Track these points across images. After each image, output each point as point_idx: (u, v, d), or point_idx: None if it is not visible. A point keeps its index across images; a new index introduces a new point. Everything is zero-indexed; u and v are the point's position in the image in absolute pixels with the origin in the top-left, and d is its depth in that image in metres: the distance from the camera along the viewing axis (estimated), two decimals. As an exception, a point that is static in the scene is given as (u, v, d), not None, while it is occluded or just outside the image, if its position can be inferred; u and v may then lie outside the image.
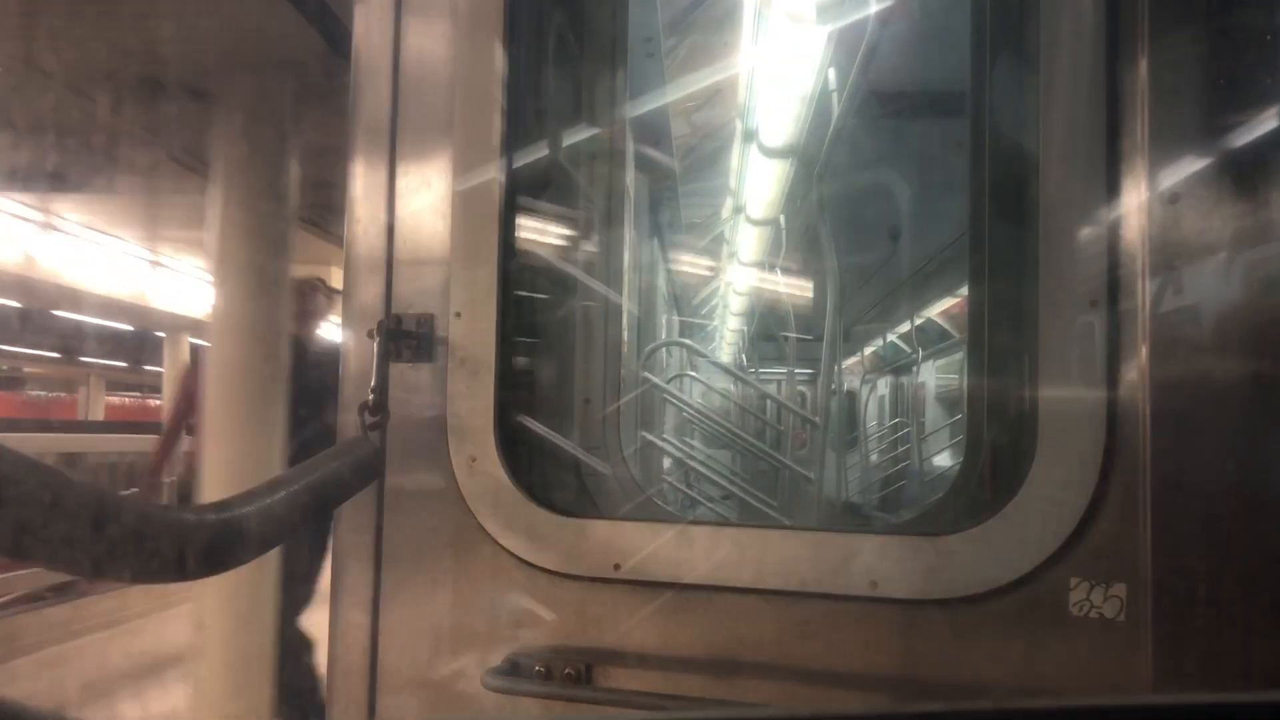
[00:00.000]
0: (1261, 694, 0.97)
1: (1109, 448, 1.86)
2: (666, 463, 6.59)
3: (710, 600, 2.09)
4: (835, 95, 5.17)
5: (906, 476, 11.92)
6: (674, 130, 6.05)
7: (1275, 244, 1.83)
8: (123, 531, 1.36)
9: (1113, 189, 1.90)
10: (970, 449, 2.71)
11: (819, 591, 2.02)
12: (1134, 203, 1.88)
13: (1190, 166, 1.87)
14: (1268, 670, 1.73)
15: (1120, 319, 1.88)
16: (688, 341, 9.50)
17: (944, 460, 11.30)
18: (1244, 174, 1.82)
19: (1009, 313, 2.41)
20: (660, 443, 6.01)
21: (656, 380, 5.22)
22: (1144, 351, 1.84)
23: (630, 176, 3.31)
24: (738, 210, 8.04)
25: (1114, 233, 1.89)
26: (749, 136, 6.40)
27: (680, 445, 6.87)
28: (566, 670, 2.14)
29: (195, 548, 1.52)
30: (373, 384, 2.16)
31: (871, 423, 14.46)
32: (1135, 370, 1.86)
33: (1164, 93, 1.86)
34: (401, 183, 2.30)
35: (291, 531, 1.79)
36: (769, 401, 10.59)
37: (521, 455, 2.34)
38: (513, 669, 2.15)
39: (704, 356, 9.57)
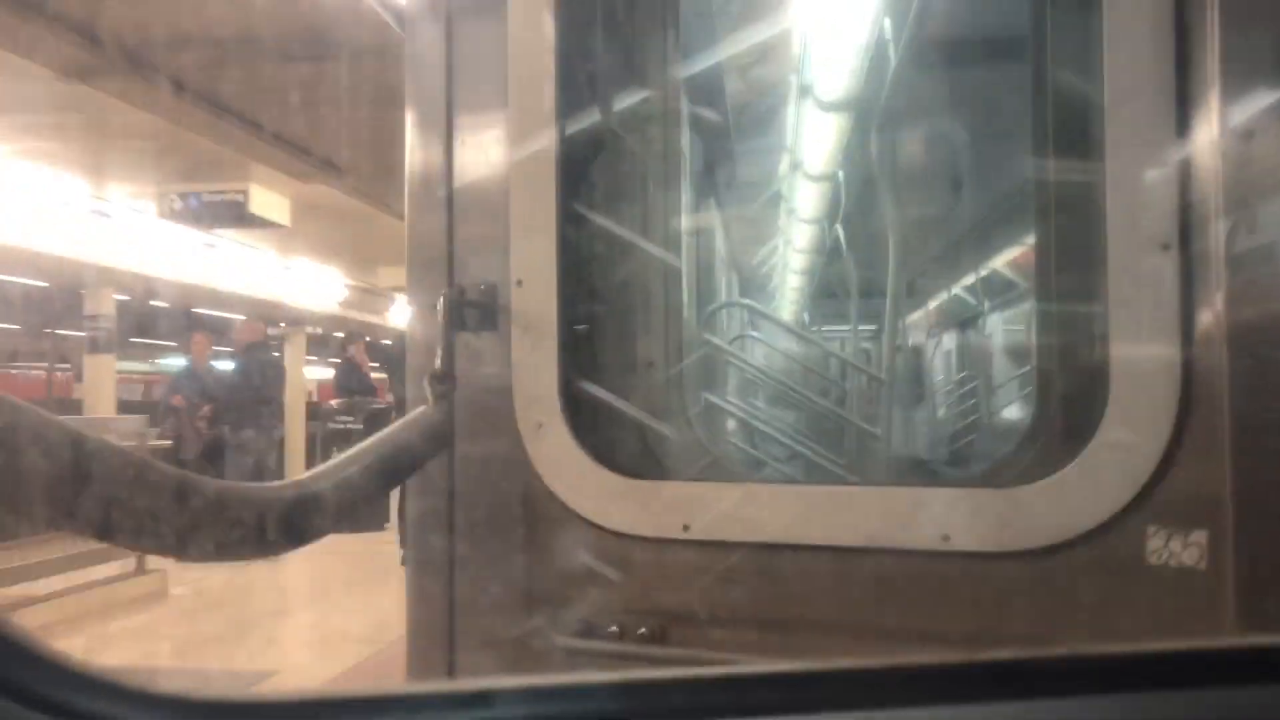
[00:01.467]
0: None
1: (1185, 392, 1.82)
2: (730, 424, 6.59)
3: (781, 558, 2.10)
4: (892, 45, 5.06)
5: (975, 431, 11.77)
6: (728, 87, 5.98)
7: None
8: (204, 507, 1.40)
9: (1183, 126, 1.84)
10: (1041, 399, 2.67)
11: (890, 547, 2.02)
12: (1205, 140, 1.82)
13: (1265, 99, 1.80)
14: None
15: (1194, 261, 1.83)
16: (748, 301, 9.45)
17: (1013, 414, 11.13)
18: None
19: (1078, 259, 2.35)
20: (723, 404, 6.01)
21: (718, 341, 5.21)
22: (1219, 293, 1.79)
23: (686, 137, 3.29)
24: (795, 167, 7.95)
25: (1185, 172, 1.84)
26: (805, 91, 6.31)
27: (744, 406, 6.87)
28: (640, 630, 2.16)
29: (274, 522, 1.56)
30: (439, 354, 2.18)
31: (938, 377, 14.29)
32: (1211, 312, 1.81)
33: (1235, 22, 1.79)
34: (459, 154, 2.32)
35: (366, 503, 1.83)
36: (832, 360, 10.50)
37: (587, 419, 2.36)
38: (587, 630, 2.19)
39: (765, 316, 9.51)
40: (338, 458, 1.84)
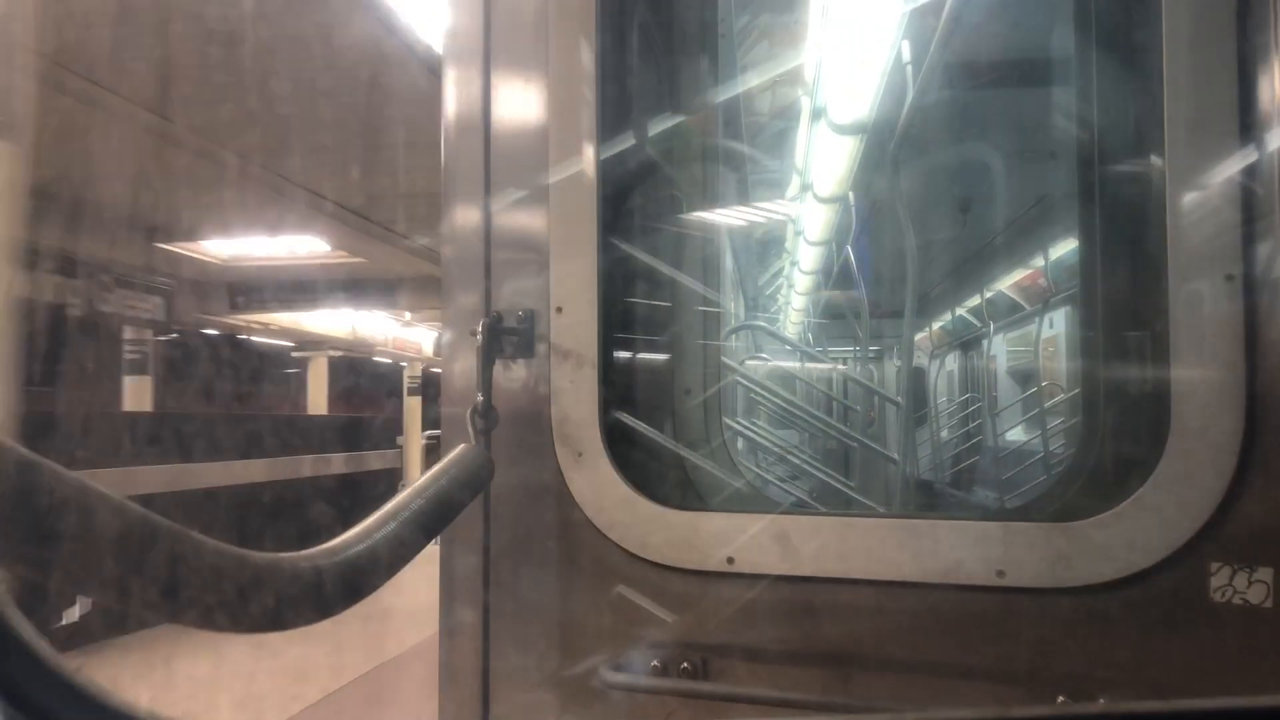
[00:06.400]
0: None
1: (1250, 425, 1.79)
2: (739, 445, 6.54)
3: (828, 593, 2.05)
4: (910, 69, 5.05)
5: (979, 453, 11.73)
6: (744, 110, 5.97)
7: None
8: (236, 584, 1.31)
9: (1247, 151, 1.81)
10: (1087, 429, 2.62)
11: (942, 582, 1.97)
12: (1271, 171, 1.79)
13: None
14: None
15: (1258, 290, 1.79)
16: (763, 324, 9.42)
17: (1017, 435, 11.09)
18: None
19: (1126, 283, 2.32)
20: (737, 426, 5.97)
21: (735, 366, 5.17)
22: None
23: (718, 163, 3.26)
24: (805, 189, 7.92)
25: (1249, 199, 1.80)
26: (818, 114, 6.28)
27: (752, 427, 6.83)
28: (683, 665, 2.11)
29: (329, 588, 1.48)
30: (479, 387, 2.13)
31: (940, 398, 14.26)
32: (1277, 345, 1.78)
33: None
34: (496, 179, 2.29)
35: (412, 555, 1.75)
36: (834, 378, 10.47)
37: (627, 448, 2.31)
38: (628, 665, 2.14)
39: (779, 339, 9.48)
40: (385, 508, 1.75)
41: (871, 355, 12.77)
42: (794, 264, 11.29)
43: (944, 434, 13.02)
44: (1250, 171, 1.81)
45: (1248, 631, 1.80)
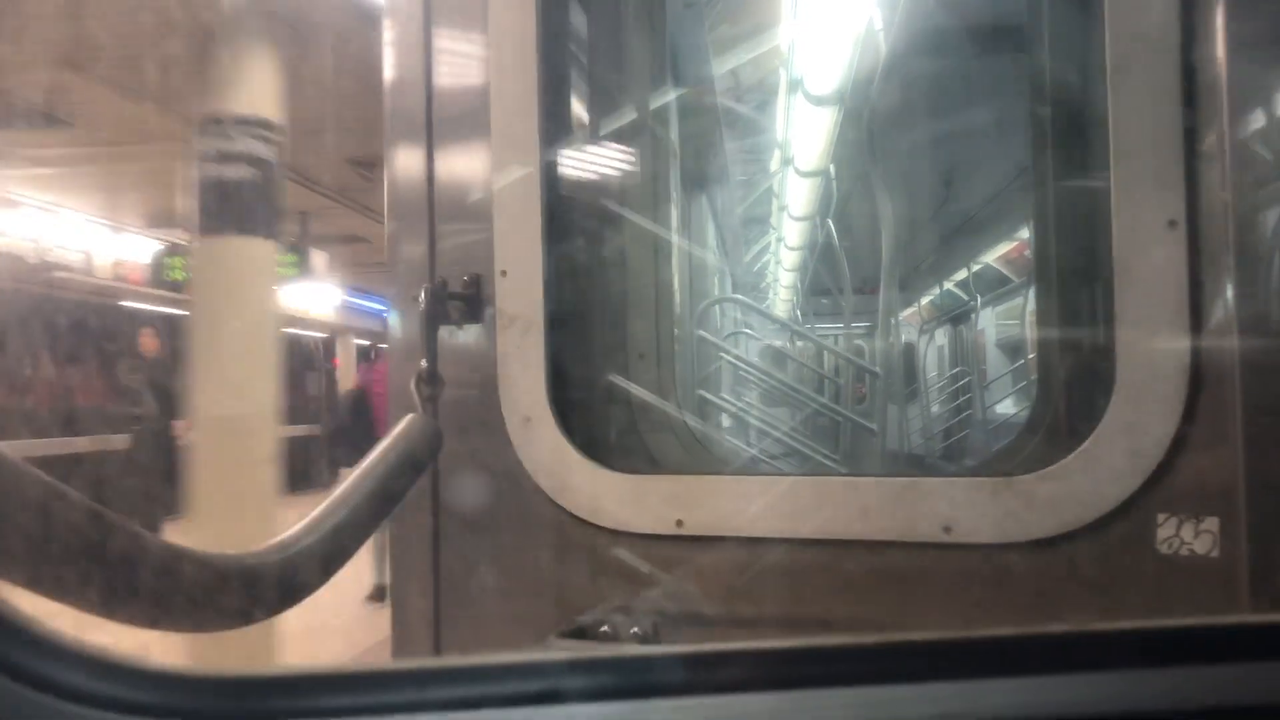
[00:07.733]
0: None
1: (1194, 375, 1.76)
2: (725, 421, 6.53)
3: (779, 553, 2.03)
4: (882, 35, 5.01)
5: (969, 426, 11.75)
6: (719, 82, 5.92)
7: None
8: (186, 583, 1.27)
9: (1190, 100, 1.77)
10: (1042, 386, 2.60)
11: (890, 539, 1.95)
12: (1213, 115, 1.75)
13: (1273, 73, 1.74)
14: None
15: (1202, 237, 1.76)
16: (741, 297, 9.38)
17: (1007, 408, 11.11)
18: None
19: (1078, 243, 2.29)
20: (718, 400, 5.96)
21: (712, 337, 5.14)
22: (1229, 271, 1.73)
23: (675, 130, 3.22)
24: (786, 163, 7.89)
25: (1191, 148, 1.77)
26: (794, 85, 6.24)
27: (737, 403, 6.81)
28: (633, 630, 2.09)
29: (266, 590, 1.46)
30: (424, 352, 2.09)
31: (930, 373, 14.26)
32: (1220, 292, 1.75)
33: None
34: (439, 142, 2.25)
35: (365, 539, 1.71)
36: (825, 356, 10.46)
37: (576, 413, 2.29)
38: (578, 631, 2.12)
39: (758, 311, 9.44)
40: (335, 495, 1.71)
41: (861, 331, 12.78)
42: (780, 240, 11.28)
43: (934, 408, 13.04)
44: (1193, 114, 1.77)
45: (1195, 582, 1.78)
